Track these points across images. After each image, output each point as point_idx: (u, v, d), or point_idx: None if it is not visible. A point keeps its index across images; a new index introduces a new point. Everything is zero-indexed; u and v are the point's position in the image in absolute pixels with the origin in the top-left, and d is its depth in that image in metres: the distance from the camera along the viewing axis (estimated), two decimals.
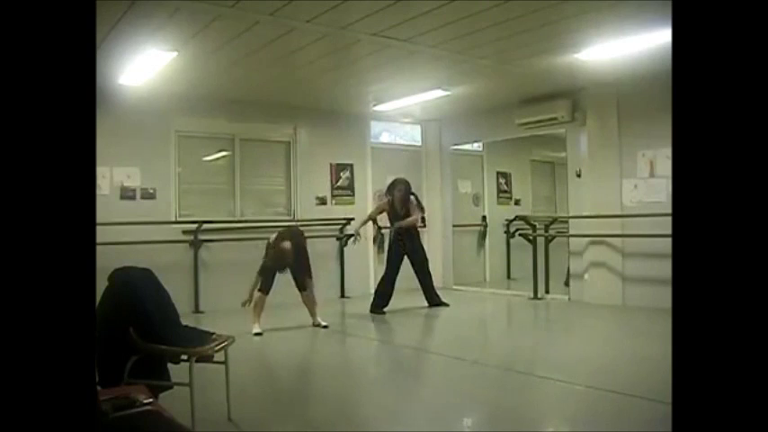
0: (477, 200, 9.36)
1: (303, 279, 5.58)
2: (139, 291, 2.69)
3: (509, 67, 5.72)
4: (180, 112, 6.71)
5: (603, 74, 6.02)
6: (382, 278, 6.63)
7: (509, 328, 6.47)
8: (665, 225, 4.59)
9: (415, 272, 6.67)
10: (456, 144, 8.73)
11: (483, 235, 9.26)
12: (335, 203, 7.91)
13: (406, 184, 6.69)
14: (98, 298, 2.55)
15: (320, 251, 7.53)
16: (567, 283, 7.26)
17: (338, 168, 7.96)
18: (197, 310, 6.55)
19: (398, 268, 6.56)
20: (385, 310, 6.42)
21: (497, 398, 3.50)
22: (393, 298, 6.52)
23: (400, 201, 6.57)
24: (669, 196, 5.79)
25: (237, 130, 7.21)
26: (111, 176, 6.24)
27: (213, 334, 3.02)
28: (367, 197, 8.19)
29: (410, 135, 8.89)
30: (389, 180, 6.98)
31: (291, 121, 7.59)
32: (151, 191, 6.52)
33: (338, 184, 7.95)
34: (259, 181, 7.42)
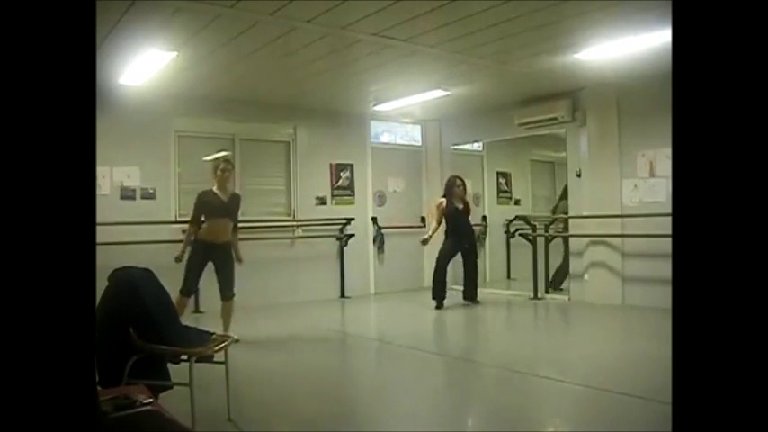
0: (477, 200, 9.35)
1: (231, 279, 4.90)
2: (139, 291, 2.69)
3: (509, 67, 5.72)
4: (180, 112, 6.71)
5: (603, 74, 6.01)
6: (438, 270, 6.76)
7: (509, 328, 6.46)
8: (665, 225, 4.59)
9: (465, 265, 6.94)
10: (456, 144, 8.73)
11: (483, 235, 9.25)
12: (335, 203, 7.91)
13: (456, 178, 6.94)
14: (98, 298, 2.55)
15: (320, 251, 7.55)
16: (548, 289, 7.22)
17: (338, 168, 7.96)
18: (197, 310, 6.55)
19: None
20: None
21: (497, 397, 3.50)
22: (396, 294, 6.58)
23: (460, 197, 6.83)
24: (669, 196, 5.79)
25: (237, 130, 7.22)
26: (111, 176, 6.24)
27: (213, 334, 3.02)
28: (367, 197, 8.19)
29: (410, 135, 8.89)
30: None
31: (291, 121, 7.59)
32: (151, 191, 6.52)
33: (338, 184, 7.95)
34: (259, 181, 7.42)
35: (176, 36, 4.52)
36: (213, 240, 4.81)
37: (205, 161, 7.15)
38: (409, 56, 5.23)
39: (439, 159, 8.75)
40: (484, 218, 9.27)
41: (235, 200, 5.02)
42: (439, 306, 6.66)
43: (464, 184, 6.94)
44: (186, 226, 5.02)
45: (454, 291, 6.97)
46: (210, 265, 4.91)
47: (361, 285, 7.94)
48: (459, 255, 6.84)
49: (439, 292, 6.70)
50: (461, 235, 6.78)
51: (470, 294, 6.94)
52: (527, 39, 4.81)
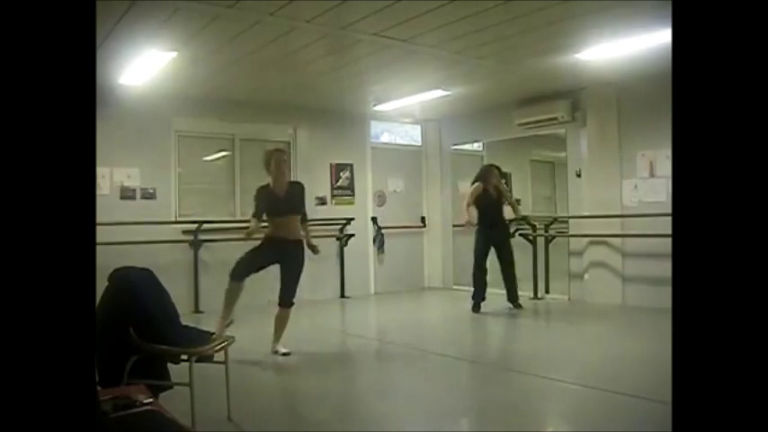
0: None
1: (296, 284, 4.40)
2: (139, 290, 2.69)
3: (509, 67, 5.72)
4: (180, 112, 6.71)
5: (603, 74, 6.01)
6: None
7: (509, 329, 6.45)
8: (665, 225, 4.59)
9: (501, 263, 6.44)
10: (456, 144, 8.73)
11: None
12: (335, 203, 7.91)
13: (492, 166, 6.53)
14: (98, 298, 2.55)
15: (320, 251, 7.54)
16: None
17: (338, 168, 7.96)
18: (197, 310, 6.55)
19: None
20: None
21: (497, 397, 3.49)
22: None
23: (496, 186, 6.33)
24: (669, 196, 5.79)
25: (237, 130, 7.22)
26: (111, 176, 6.24)
27: (213, 334, 3.02)
28: (367, 197, 8.20)
29: (410, 135, 8.89)
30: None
31: (291, 122, 7.59)
32: (151, 191, 6.52)
33: (338, 184, 7.95)
34: (259, 181, 7.37)
35: (176, 36, 4.52)
36: (285, 236, 4.36)
37: (205, 161, 7.18)
38: (409, 56, 5.23)
39: (439, 159, 8.76)
40: None
41: (295, 191, 4.49)
42: (476, 309, 6.26)
43: (500, 171, 6.47)
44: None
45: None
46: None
47: (361, 285, 7.94)
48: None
49: (480, 293, 6.30)
50: (495, 227, 6.29)
51: (513, 296, 6.46)
52: (527, 39, 4.81)
